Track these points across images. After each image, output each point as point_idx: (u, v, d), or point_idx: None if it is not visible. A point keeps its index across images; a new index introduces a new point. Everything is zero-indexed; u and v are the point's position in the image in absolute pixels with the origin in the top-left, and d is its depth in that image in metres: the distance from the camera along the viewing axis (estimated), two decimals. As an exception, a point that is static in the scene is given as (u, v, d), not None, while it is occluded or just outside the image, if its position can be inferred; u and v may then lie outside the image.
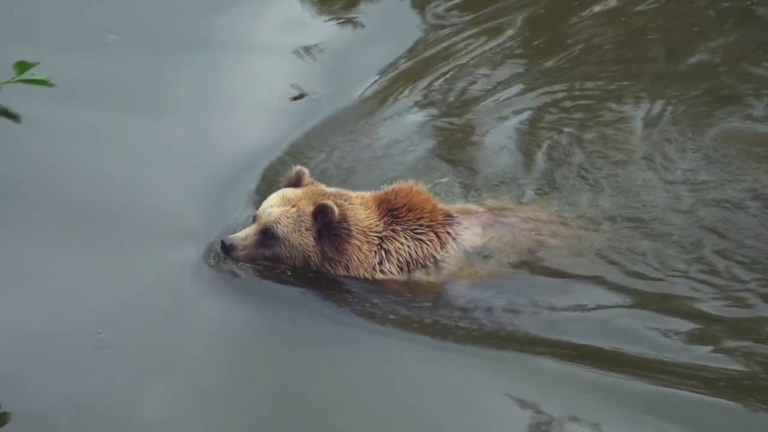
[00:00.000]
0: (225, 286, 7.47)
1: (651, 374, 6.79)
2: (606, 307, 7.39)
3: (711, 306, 7.32)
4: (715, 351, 6.99)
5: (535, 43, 10.65)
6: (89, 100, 9.35)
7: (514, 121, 9.40)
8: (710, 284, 7.47)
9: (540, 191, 8.35)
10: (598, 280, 7.57)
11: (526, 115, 9.50)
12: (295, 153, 8.87)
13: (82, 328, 7.09)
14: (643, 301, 7.41)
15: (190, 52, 10.25)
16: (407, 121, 9.46)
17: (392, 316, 7.28)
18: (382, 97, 9.85)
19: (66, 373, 6.81)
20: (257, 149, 8.92)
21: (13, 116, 4.98)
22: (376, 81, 10.11)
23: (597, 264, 7.68)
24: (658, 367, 6.85)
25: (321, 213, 7.35)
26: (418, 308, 7.37)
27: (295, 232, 7.37)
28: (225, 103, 9.72)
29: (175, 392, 6.78)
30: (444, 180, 8.53)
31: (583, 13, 10.95)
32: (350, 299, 7.42)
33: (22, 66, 4.91)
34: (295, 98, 9.72)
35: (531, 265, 7.62)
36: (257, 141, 9.08)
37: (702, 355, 6.95)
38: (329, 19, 11.01)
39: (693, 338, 7.09)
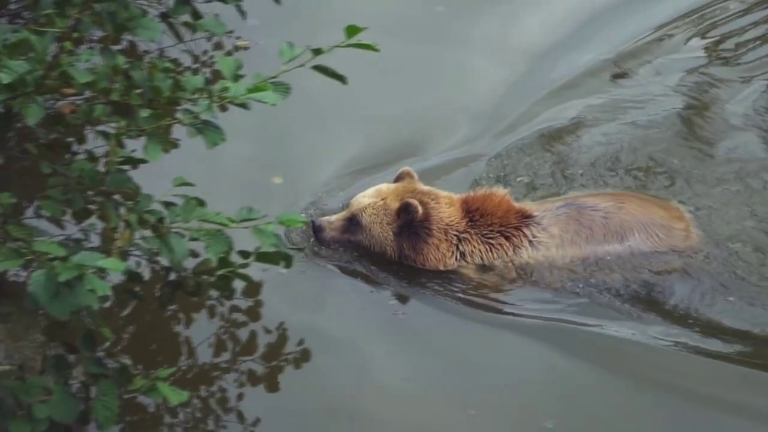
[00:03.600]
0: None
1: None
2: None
3: None
4: None
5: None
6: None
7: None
8: None
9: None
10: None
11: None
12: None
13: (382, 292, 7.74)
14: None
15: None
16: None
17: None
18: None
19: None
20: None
21: (339, 77, 5.19)
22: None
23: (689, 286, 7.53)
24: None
25: (404, 211, 7.67)
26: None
27: (377, 223, 7.72)
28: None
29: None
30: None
31: None
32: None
33: (352, 30, 5.09)
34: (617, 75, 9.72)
35: (607, 264, 7.62)
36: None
37: None
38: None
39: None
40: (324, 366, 7.05)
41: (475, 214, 7.75)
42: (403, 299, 7.61)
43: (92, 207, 5.36)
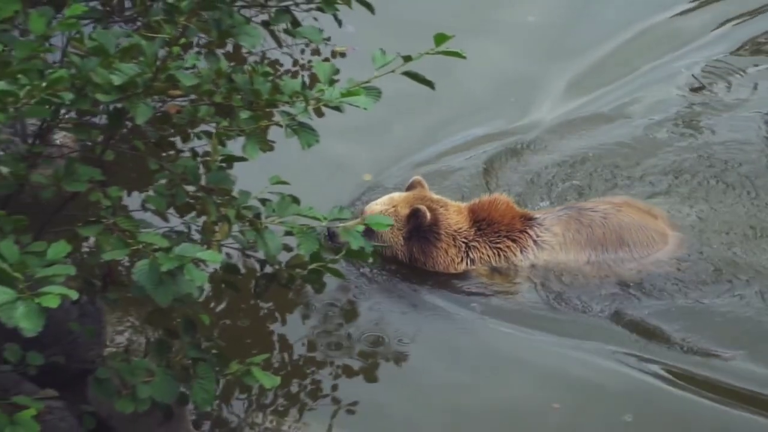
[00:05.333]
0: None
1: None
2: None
3: None
4: None
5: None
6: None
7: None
8: None
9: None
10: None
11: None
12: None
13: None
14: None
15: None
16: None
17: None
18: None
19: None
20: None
21: (428, 83, 5.39)
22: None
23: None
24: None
25: (414, 216, 7.86)
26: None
27: (387, 229, 7.77)
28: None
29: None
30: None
31: None
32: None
33: (440, 38, 5.27)
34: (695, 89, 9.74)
35: (608, 262, 7.79)
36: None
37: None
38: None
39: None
40: (412, 362, 7.31)
41: (482, 223, 7.99)
42: (483, 299, 7.82)
43: (193, 201, 5.59)
